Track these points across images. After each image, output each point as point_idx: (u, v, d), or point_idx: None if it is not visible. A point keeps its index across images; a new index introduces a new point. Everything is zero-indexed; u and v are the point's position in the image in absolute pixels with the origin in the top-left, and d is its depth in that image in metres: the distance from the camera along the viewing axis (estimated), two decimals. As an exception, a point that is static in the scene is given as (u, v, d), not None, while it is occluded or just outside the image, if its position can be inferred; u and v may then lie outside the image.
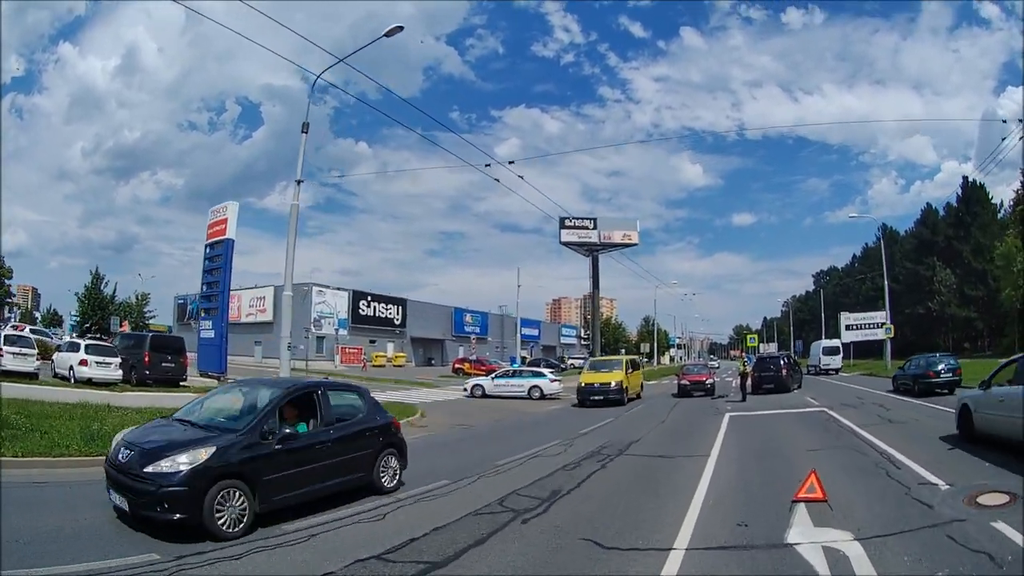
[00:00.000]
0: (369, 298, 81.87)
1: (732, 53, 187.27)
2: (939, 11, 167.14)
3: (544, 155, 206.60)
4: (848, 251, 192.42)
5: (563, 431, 19.66)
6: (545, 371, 38.06)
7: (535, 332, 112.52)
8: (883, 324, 63.09)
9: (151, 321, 77.90)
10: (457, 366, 62.27)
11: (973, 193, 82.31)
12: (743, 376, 31.80)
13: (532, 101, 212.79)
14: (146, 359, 29.08)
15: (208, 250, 32.90)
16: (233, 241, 31.28)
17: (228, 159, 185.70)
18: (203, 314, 34.12)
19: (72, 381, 26.46)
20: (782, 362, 35.52)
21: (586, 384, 31.20)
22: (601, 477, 11.88)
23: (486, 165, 27.59)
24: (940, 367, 27.30)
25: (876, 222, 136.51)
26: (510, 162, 27.36)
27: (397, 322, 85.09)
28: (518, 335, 65.75)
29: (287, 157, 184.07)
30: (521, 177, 29.02)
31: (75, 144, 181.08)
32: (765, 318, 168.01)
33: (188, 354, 31.27)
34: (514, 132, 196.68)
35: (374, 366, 70.11)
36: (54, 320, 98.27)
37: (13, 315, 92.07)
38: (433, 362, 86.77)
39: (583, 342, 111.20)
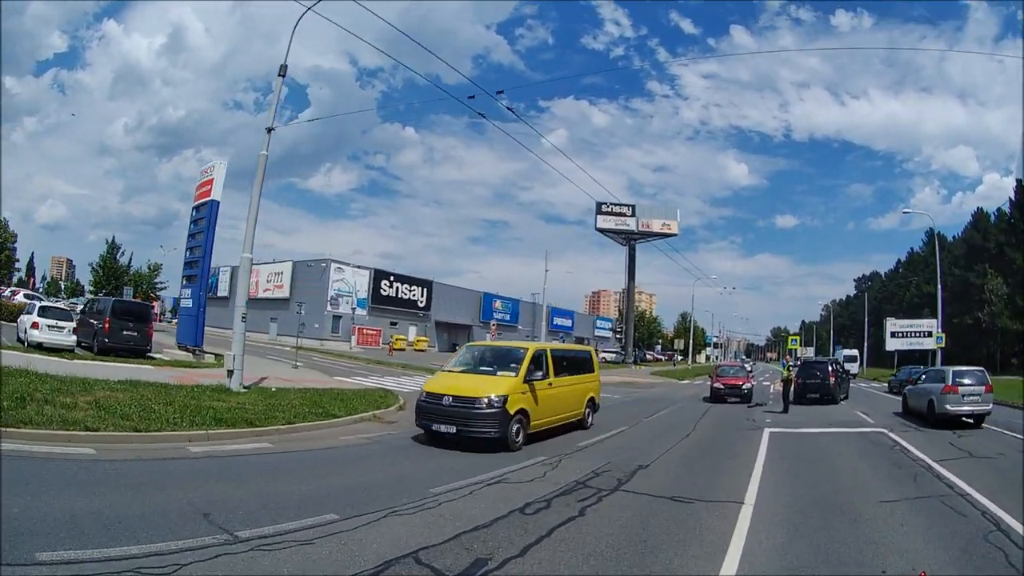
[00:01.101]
0: (392, 278, 78.44)
1: (781, 53, 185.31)
2: (985, 20, 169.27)
3: (591, 146, 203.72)
4: (889, 259, 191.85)
5: (559, 441, 15.68)
6: (561, 362, 33.82)
7: (568, 323, 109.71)
8: (931, 332, 59.60)
9: (163, 291, 77.03)
10: (478, 353, 58.52)
11: (1027, 199, 77.07)
12: (786, 383, 27.23)
13: (580, 93, 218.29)
14: (106, 325, 26.67)
15: (194, 212, 31.19)
16: (218, 203, 29.55)
17: (273, 139, 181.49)
18: (184, 282, 32.25)
19: (25, 345, 24.73)
20: (830, 368, 30.97)
21: (428, 396, 14.78)
22: (567, 538, 7.66)
23: (470, 97, 23.66)
24: (922, 376, 29.06)
25: (927, 220, 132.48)
26: (499, 92, 23.34)
27: (421, 304, 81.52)
28: (543, 323, 61.89)
29: (332, 139, 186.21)
30: (500, 92, 24.33)
31: (118, 120, 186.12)
32: (803, 322, 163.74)
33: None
34: (562, 123, 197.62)
35: (395, 349, 66.55)
36: (76, 290, 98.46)
37: (43, 283, 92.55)
38: (458, 347, 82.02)
39: (617, 335, 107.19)
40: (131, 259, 74.89)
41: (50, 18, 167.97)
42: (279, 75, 22.07)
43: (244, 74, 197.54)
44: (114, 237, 76.31)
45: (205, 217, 29.21)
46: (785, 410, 25.16)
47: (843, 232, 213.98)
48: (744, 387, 30.59)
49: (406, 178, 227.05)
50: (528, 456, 13.29)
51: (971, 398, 20.83)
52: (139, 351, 27.17)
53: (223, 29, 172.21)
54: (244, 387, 19.49)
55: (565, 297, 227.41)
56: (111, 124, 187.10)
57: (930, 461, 13.60)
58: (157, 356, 28.36)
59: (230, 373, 19.51)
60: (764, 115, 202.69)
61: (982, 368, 23.59)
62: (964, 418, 21.07)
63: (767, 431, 18.74)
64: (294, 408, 16.59)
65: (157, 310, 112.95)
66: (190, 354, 29.49)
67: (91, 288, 75.45)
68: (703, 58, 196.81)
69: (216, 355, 30.35)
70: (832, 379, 29.78)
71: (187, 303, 30.80)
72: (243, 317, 20.58)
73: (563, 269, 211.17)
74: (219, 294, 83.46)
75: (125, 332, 27.02)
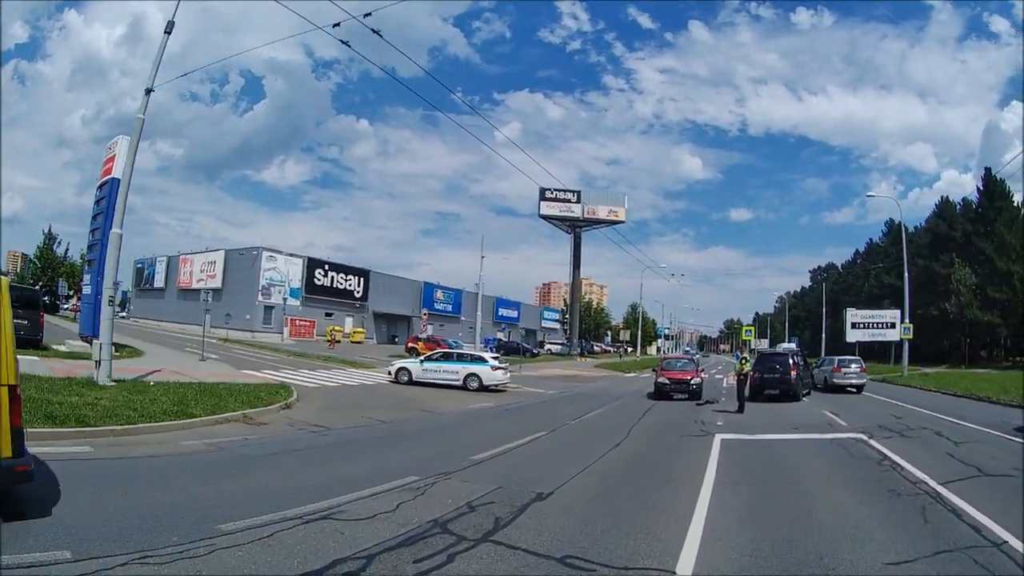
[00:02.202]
0: (326, 267, 74.94)
1: (739, 49, 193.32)
2: (949, 21, 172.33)
3: (544, 138, 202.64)
4: (843, 252, 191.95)
5: (452, 452, 12.39)
6: (487, 356, 30.69)
7: (514, 314, 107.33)
8: (895, 324, 58.60)
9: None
10: (411, 345, 54.77)
11: (995, 187, 74.59)
12: (741, 377, 23.63)
13: (535, 86, 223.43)
14: None
15: (97, 192, 28.58)
16: (119, 180, 25.17)
17: (228, 131, 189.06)
18: (85, 267, 30.10)
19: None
20: (791, 361, 27.34)
21: None
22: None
23: (335, 24, 20.14)
24: (824, 363, 37.79)
25: (884, 214, 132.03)
26: (366, 13, 19.77)
27: (358, 295, 78.10)
28: (479, 313, 57.79)
29: (288, 131, 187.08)
30: (378, 33, 20.37)
31: (76, 112, 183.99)
32: (757, 313, 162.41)
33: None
34: (516, 115, 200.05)
35: (334, 342, 62.70)
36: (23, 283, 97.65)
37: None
38: (397, 340, 78.86)
39: (564, 327, 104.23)
40: (67, 250, 72.65)
41: (13, 8, 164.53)
42: (165, 31, 20.10)
43: (201, 65, 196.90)
44: (50, 227, 74.62)
45: (106, 196, 26.13)
46: (740, 409, 21.76)
47: (798, 226, 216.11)
48: (692, 382, 27.02)
49: (359, 170, 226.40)
50: (409, 471, 10.13)
51: (850, 375, 32.99)
52: (30, 341, 24.95)
53: (182, 20, 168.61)
54: (113, 380, 17.76)
55: (516, 289, 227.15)
56: (69, 115, 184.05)
57: (934, 484, 10.06)
58: (56, 347, 26.71)
59: (97, 364, 17.88)
60: (720, 110, 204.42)
61: (859, 357, 37.45)
62: (848, 387, 32.58)
63: (718, 439, 15.03)
64: (151, 406, 14.75)
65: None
66: (89, 344, 26.69)
67: (30, 281, 73.51)
68: (660, 53, 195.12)
69: (123, 347, 29.23)
70: (794, 373, 26.43)
71: (87, 289, 27.93)
72: (110, 300, 19.05)
73: (513, 260, 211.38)
74: (155, 285, 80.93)
75: (14, 320, 23.49)
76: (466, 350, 35.26)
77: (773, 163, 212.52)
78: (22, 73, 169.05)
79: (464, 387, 28.01)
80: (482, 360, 29.53)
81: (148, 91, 19.95)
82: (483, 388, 28.06)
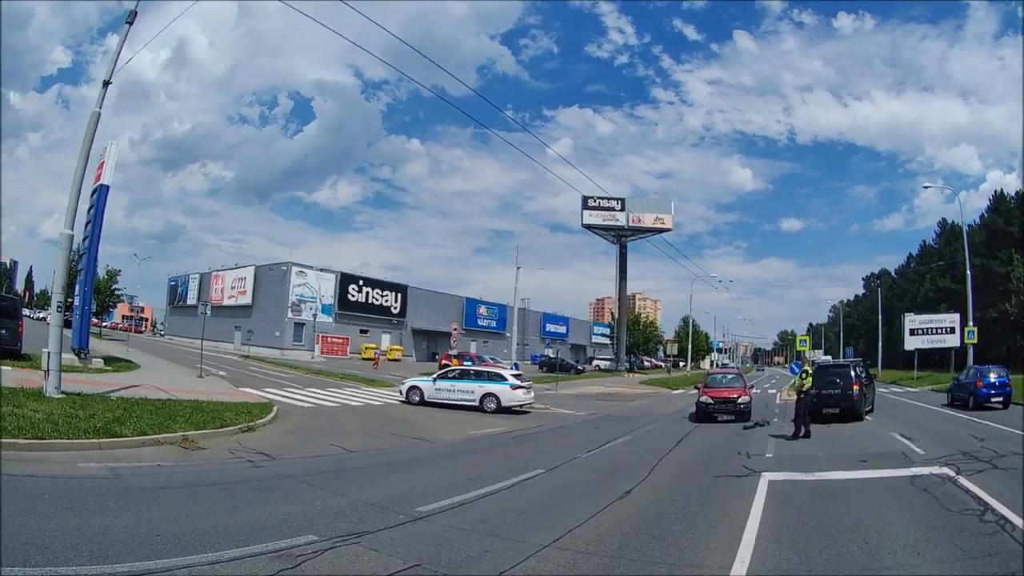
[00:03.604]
0: (361, 282, 72.90)
1: (784, 57, 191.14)
2: (985, 18, 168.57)
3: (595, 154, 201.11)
4: (894, 259, 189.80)
5: (397, 498, 9.59)
6: (506, 374, 27.22)
7: (562, 329, 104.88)
8: (954, 328, 55.71)
9: (122, 298, 73.47)
10: (444, 362, 51.96)
11: (1052, 175, 70.35)
12: (802, 397, 19.22)
13: (585, 101, 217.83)
14: None
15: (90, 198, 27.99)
16: (108, 187, 27.37)
17: (278, 153, 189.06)
18: (78, 276, 29.13)
19: None
20: (852, 374, 23.21)
21: None
22: None
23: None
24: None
25: (934, 217, 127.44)
26: None
27: (395, 311, 75.86)
28: (515, 327, 54.85)
29: (339, 152, 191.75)
30: None
31: (122, 135, 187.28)
32: (811, 324, 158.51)
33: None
34: (567, 132, 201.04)
35: (364, 359, 61.80)
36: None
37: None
38: (437, 357, 75.96)
39: (614, 341, 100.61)
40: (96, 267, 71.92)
41: (54, 33, 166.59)
42: (127, 22, 19.37)
43: (249, 88, 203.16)
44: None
45: (94, 204, 27.03)
46: (797, 434, 18.01)
47: (848, 234, 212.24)
48: (740, 401, 23.45)
49: (412, 190, 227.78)
50: (294, 529, 7.67)
51: None
52: (8, 351, 24.08)
53: (228, 43, 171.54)
54: (63, 393, 16.57)
55: (570, 305, 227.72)
56: (115, 139, 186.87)
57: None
58: (27, 356, 24.99)
59: (46, 374, 16.81)
60: (768, 119, 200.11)
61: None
62: None
63: (765, 480, 11.36)
64: (82, 421, 13.60)
65: (149, 319, 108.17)
66: (78, 357, 26.54)
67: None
68: (707, 64, 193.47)
69: (112, 360, 29.50)
70: (856, 388, 22.44)
71: (76, 300, 28.26)
72: (59, 306, 17.57)
73: (567, 276, 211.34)
74: (188, 302, 79.81)
75: None
76: (491, 368, 31.86)
77: (822, 171, 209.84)
78: (66, 97, 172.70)
79: (480, 408, 25.35)
80: (501, 378, 26.45)
81: (105, 83, 19.09)
82: (501, 409, 25.30)
